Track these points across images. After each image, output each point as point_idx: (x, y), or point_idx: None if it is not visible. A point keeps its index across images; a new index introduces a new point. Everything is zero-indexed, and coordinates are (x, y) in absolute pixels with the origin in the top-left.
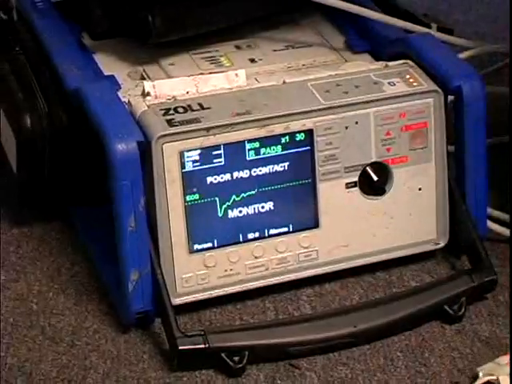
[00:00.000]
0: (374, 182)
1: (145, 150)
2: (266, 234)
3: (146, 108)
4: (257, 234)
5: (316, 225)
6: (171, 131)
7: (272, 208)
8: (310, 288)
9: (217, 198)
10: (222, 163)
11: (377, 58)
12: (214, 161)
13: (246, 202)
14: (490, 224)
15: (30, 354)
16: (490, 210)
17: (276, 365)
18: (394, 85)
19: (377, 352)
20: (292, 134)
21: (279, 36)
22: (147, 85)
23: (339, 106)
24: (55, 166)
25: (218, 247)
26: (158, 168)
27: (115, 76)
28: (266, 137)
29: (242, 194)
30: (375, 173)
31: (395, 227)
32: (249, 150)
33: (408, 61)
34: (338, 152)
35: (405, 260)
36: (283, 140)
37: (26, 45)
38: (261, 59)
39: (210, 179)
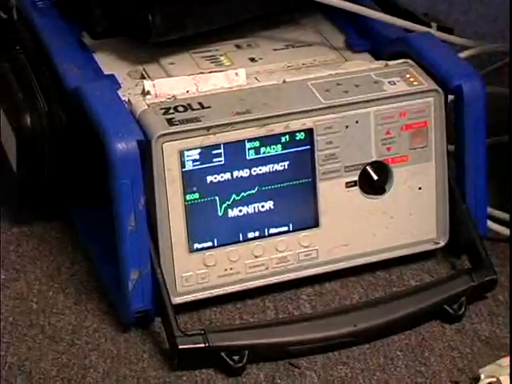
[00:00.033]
0: (374, 181)
1: (145, 149)
2: (266, 233)
3: (146, 107)
4: (257, 233)
5: (316, 224)
6: (171, 130)
7: (272, 207)
8: (310, 287)
9: (217, 197)
10: (222, 162)
11: (377, 58)
12: (214, 160)
13: (245, 202)
14: (490, 223)
15: (29, 352)
16: (490, 210)
17: (276, 364)
18: (395, 84)
19: (377, 351)
20: (292, 134)
21: (279, 35)
22: (147, 84)
23: (339, 106)
24: (55, 165)
25: (217, 246)
26: (158, 167)
27: (115, 75)
28: (266, 136)
29: (242, 194)
30: (375, 172)
31: (395, 226)
32: (249, 149)
33: (408, 60)
34: (338, 151)
35: (405, 259)
36: (283, 139)
37: (26, 44)
38: (261, 58)
39: (210, 178)
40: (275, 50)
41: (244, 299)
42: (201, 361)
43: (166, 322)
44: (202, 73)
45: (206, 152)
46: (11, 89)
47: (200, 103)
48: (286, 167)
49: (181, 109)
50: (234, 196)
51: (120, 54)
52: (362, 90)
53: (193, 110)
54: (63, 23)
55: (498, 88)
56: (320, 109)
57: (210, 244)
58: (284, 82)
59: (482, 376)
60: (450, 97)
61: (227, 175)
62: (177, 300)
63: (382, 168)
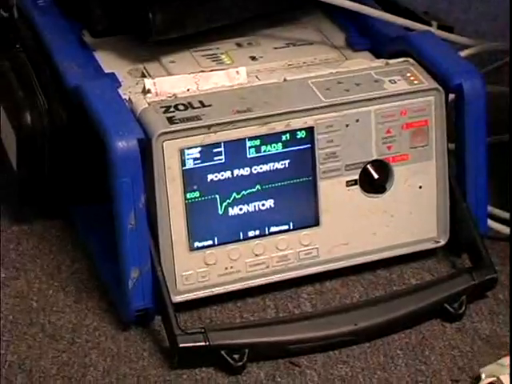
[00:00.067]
0: (374, 179)
1: (145, 147)
2: (267, 232)
3: (147, 105)
4: (257, 232)
5: (316, 223)
6: (172, 129)
7: (272, 206)
8: (311, 286)
9: (217, 196)
10: (223, 161)
11: (377, 56)
12: (215, 158)
13: (246, 200)
14: (491, 222)
15: (30, 351)
16: (490, 208)
17: (276, 362)
18: (395, 83)
19: (377, 350)
20: (293, 132)
21: (280, 34)
22: (148, 82)
23: (340, 104)
24: (55, 164)
25: (218, 245)
26: (159, 165)
27: (116, 73)
28: (266, 134)
29: (243, 192)
30: (376, 171)
31: (396, 225)
32: (249, 147)
33: (409, 59)
34: (339, 150)
35: (405, 258)
36: (284, 138)
37: (27, 42)
38: (261, 57)
39: (210, 177)
40: (276, 48)
41: (244, 298)
42: (201, 359)
43: (167, 321)
44: (202, 71)
45: (207, 150)
46: (11, 87)
47: (201, 101)
48: (287, 166)
49: (181, 107)
50: (234, 194)
51: (120, 53)
52: (362, 89)
53: (193, 108)
54: (64, 21)
55: (498, 87)
56: (321, 107)
57: (210, 242)
58: (285, 80)
59: (483, 376)
60: (451, 95)
61: (228, 173)
62: (177, 298)
63: (383, 167)
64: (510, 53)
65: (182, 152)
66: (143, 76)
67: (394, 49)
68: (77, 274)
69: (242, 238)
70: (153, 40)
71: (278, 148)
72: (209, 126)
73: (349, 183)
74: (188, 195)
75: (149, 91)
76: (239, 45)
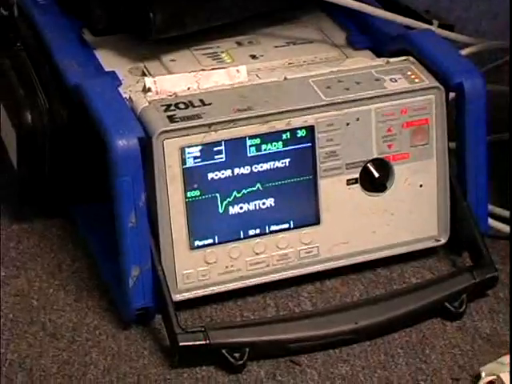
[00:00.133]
0: (375, 178)
1: (146, 146)
2: (267, 231)
3: (147, 104)
4: (258, 231)
5: (317, 221)
6: (172, 127)
7: (273, 204)
8: (311, 284)
9: (218, 195)
10: (223, 159)
11: (378, 55)
12: (215, 157)
13: (246, 199)
14: (491, 221)
15: (30, 349)
16: (490, 207)
17: (277, 361)
18: (396, 81)
19: (377, 349)
20: (293, 131)
21: (280, 32)
22: (148, 81)
23: (340, 103)
24: (56, 162)
25: (218, 243)
26: (159, 164)
27: (116, 72)
28: (267, 133)
29: (243, 191)
30: (376, 169)
31: (396, 224)
32: (250, 146)
33: (409, 57)
34: (339, 148)
35: (406, 257)
36: (284, 136)
37: (27, 41)
38: (262, 55)
39: (210, 175)
40: (276, 47)
41: (245, 296)
42: (201, 358)
43: (167, 319)
44: (203, 70)
45: (207, 149)
46: (12, 86)
47: (201, 100)
48: (287, 164)
49: (182, 106)
50: (234, 193)
51: (121, 51)
52: (363, 87)
53: (194, 106)
54: (64, 20)
55: (499, 85)
56: (321, 106)
57: (210, 241)
58: (285, 79)
59: (483, 374)
60: (451, 94)
61: (228, 172)
62: (177, 297)
63: (383, 165)
64: (511, 51)
65: (182, 150)
66: (144, 74)
67: (394, 47)
68: (77, 273)
69: (242, 236)
70: (153, 38)
71: (278, 147)
72: (209, 125)
73: (349, 182)
74: (188, 194)
75: (149, 90)
76: (240, 43)
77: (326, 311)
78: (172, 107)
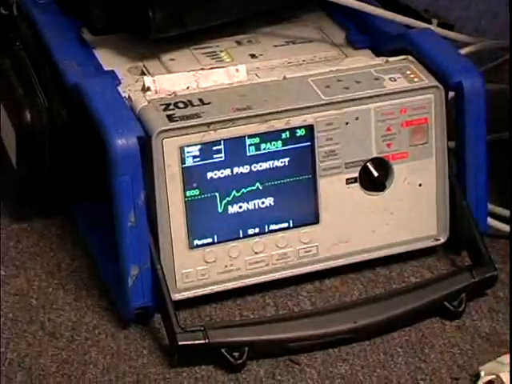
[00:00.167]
0: (374, 177)
1: (145, 145)
2: (266, 230)
3: (147, 103)
4: (257, 230)
5: (316, 220)
6: (171, 126)
7: (272, 203)
8: (310, 284)
9: (217, 194)
10: (223, 158)
11: (377, 54)
12: (215, 156)
13: (246, 198)
14: (491, 220)
15: (29, 349)
16: (490, 207)
17: (276, 360)
18: (395, 80)
19: (377, 348)
20: (292, 130)
21: (280, 31)
22: (147, 80)
23: (340, 102)
24: (55, 161)
25: (218, 243)
26: (158, 163)
27: (115, 71)
28: (266, 132)
29: (243, 190)
30: (376, 168)
31: (395, 223)
32: (249, 145)
33: (409, 56)
34: (339, 148)
35: (405, 256)
36: (283, 135)
37: (27, 40)
38: (261, 55)
39: (210, 174)
40: (276, 46)
41: (244, 296)
42: (201, 357)
43: (166, 319)
44: (202, 69)
45: (207, 148)
46: (11, 85)
47: (200, 99)
48: (287, 163)
49: (181, 105)
50: (234, 192)
51: (120, 50)
52: (362, 87)
53: (193, 106)
54: (63, 19)
55: (498, 85)
56: (320, 105)
57: (210, 240)
58: (284, 78)
59: (483, 373)
60: (451, 93)
61: (227, 171)
62: (177, 296)
63: (383, 164)
64: (510, 51)
65: (181, 150)
66: (143, 74)
67: (393, 47)
68: (77, 272)
69: (241, 235)
70: (152, 38)
71: (277, 146)
72: (208, 124)
73: (348, 181)
74: (188, 193)
75: (148, 89)
76: (239, 43)
77: (326, 310)
78: (171, 106)
